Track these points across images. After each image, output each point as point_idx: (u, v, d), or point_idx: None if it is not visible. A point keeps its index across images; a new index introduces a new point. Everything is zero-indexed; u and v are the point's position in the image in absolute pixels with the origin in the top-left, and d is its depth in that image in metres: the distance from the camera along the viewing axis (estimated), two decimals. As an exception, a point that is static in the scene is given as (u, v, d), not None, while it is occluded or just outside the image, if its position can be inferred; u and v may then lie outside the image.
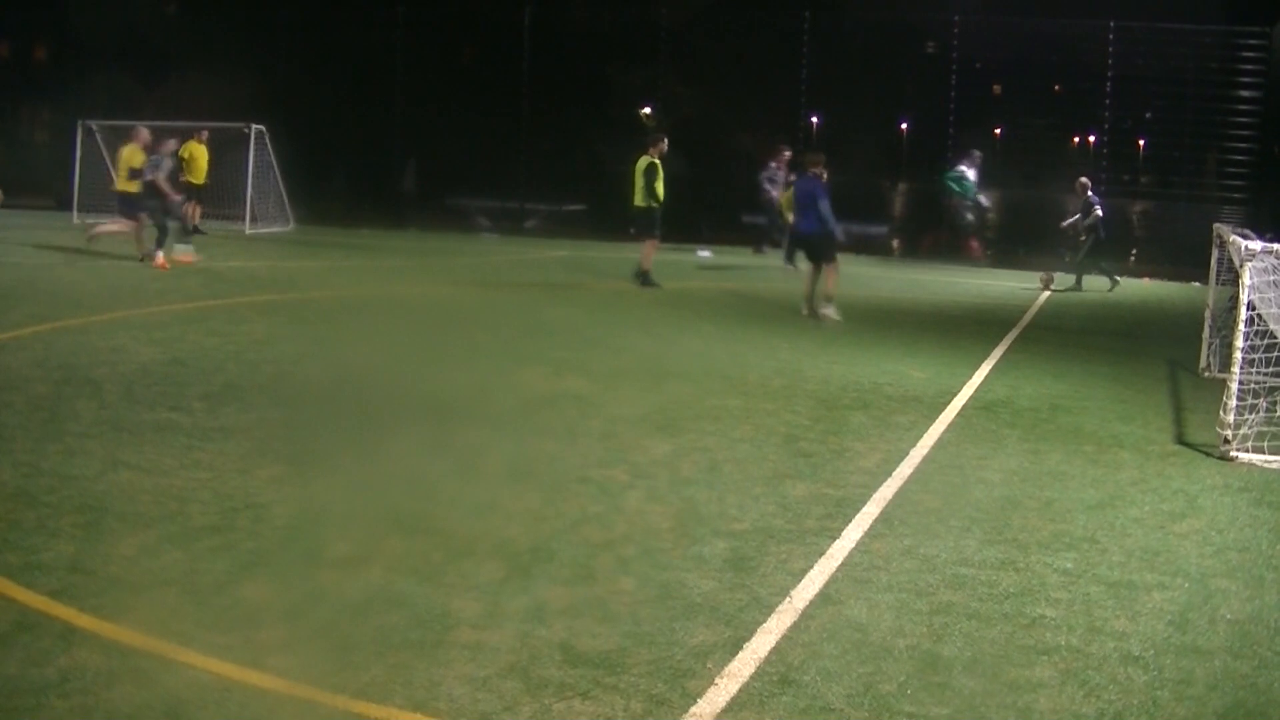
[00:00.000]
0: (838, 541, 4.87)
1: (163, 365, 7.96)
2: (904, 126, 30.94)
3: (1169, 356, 10.92)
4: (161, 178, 15.22)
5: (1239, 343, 6.92)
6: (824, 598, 4.23)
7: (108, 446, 5.74)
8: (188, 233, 17.39)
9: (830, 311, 12.22)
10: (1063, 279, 18.13)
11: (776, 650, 3.73)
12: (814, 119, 27.39)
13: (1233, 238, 8.08)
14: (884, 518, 5.27)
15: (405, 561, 4.36)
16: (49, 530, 4.49)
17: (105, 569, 4.15)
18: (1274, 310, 7.24)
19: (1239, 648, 3.96)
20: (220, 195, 21.54)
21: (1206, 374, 9.84)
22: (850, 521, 5.16)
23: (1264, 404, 7.04)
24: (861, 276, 17.16)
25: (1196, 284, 18.06)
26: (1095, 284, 18.19)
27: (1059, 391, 8.87)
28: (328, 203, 25.76)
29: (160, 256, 14.78)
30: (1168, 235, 24.39)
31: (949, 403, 8.10)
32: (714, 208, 24.91)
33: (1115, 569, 4.74)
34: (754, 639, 3.81)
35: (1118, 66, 24.14)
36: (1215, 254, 10.06)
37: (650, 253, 15.02)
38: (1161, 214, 25.56)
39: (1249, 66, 23.29)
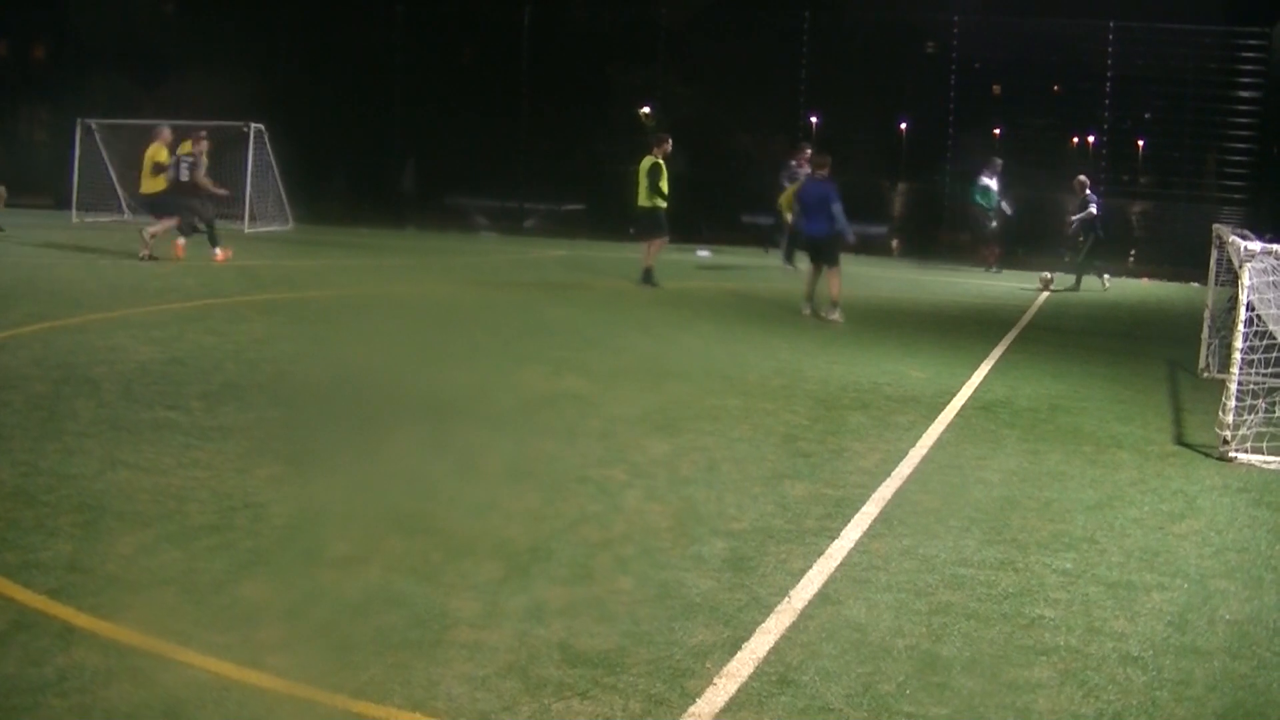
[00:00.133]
0: (837, 541, 4.87)
1: (161, 364, 7.95)
2: (903, 126, 30.95)
3: (1168, 357, 10.92)
4: (201, 174, 15.24)
5: (1238, 343, 6.92)
6: (823, 598, 4.22)
7: (106, 445, 5.73)
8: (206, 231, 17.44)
9: (837, 316, 12.26)
10: (1062, 279, 18.14)
11: (775, 650, 3.73)
12: (813, 119, 27.40)
13: (1232, 238, 8.08)
14: (883, 518, 5.26)
15: (404, 561, 4.35)
16: (47, 529, 4.49)
17: (103, 568, 4.15)
18: (1273, 311, 7.24)
19: (1238, 648, 3.96)
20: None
21: (1206, 374, 9.84)
22: (849, 521, 5.15)
23: (1263, 404, 7.04)
24: (861, 276, 17.15)
25: (1196, 284, 18.08)
26: (1094, 284, 18.22)
27: (1058, 392, 8.87)
28: (327, 202, 25.79)
29: (219, 253, 15.33)
30: (1167, 235, 24.44)
31: (948, 403, 8.10)
32: (714, 208, 24.93)
33: (1114, 569, 4.73)
34: (753, 639, 3.80)
35: (1117, 66, 24.15)
36: (1214, 254, 10.05)
37: (656, 251, 15.03)
38: (1161, 214, 25.61)
39: (1249, 67, 23.30)
